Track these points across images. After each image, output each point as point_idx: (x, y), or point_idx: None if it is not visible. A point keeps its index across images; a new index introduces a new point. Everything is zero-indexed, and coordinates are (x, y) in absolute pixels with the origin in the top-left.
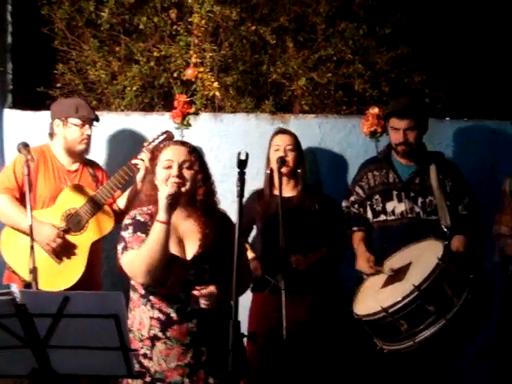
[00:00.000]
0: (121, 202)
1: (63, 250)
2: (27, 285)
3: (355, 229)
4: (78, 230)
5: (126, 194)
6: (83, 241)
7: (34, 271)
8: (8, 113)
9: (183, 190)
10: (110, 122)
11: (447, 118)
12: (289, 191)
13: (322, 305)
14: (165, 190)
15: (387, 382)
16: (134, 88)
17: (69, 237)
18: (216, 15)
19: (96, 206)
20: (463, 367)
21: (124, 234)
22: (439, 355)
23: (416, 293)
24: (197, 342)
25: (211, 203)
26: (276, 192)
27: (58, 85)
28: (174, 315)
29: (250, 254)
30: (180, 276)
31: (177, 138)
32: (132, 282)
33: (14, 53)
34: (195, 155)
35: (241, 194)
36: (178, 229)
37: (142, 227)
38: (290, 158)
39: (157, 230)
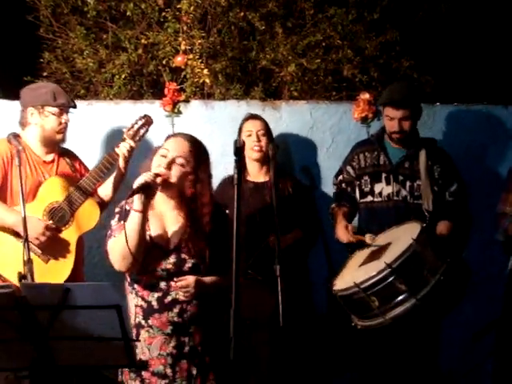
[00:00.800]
0: (104, 191)
1: (49, 248)
2: (22, 276)
3: (340, 203)
4: (63, 225)
5: (111, 182)
6: (69, 236)
7: (28, 262)
8: None
9: (172, 181)
10: (100, 111)
11: (438, 103)
12: (262, 176)
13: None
14: (138, 179)
15: (366, 360)
16: (123, 76)
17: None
18: (204, 1)
19: (80, 197)
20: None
21: (111, 221)
22: (414, 332)
23: (388, 270)
24: (178, 332)
25: (199, 207)
26: (248, 178)
27: (45, 74)
28: (154, 303)
29: None
30: (160, 264)
31: (167, 125)
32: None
33: None
34: (195, 154)
35: (238, 182)
36: (164, 217)
37: (126, 216)
38: (263, 142)
39: (132, 218)
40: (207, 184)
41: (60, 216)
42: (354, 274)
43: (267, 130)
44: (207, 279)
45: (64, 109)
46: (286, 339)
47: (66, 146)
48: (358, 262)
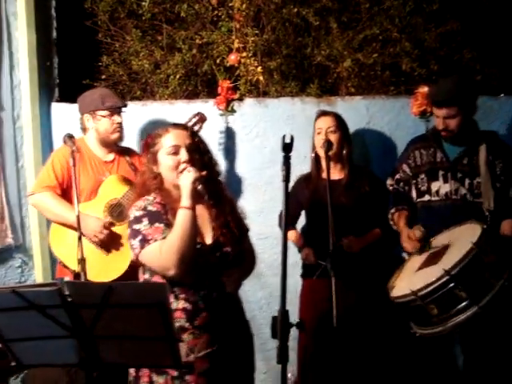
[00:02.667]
0: None
1: (110, 242)
2: (76, 275)
3: (399, 207)
4: (121, 220)
5: None
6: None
7: (82, 262)
8: (55, 106)
9: (203, 173)
10: (155, 111)
11: (502, 95)
12: (336, 174)
13: (377, 289)
14: (188, 176)
15: (428, 368)
16: (178, 76)
17: (113, 228)
18: None
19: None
20: None
21: (138, 226)
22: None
23: (446, 277)
24: (224, 328)
25: (218, 186)
26: (324, 175)
27: (103, 76)
28: (200, 302)
29: (293, 235)
30: (204, 261)
31: (222, 124)
32: (146, 276)
33: (59, 47)
34: (198, 138)
35: (287, 179)
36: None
37: (157, 217)
38: (333, 139)
39: (183, 216)
40: (215, 162)
41: (119, 212)
42: (410, 280)
43: (338, 126)
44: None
45: (114, 110)
46: (339, 340)
47: (124, 144)
48: (415, 266)
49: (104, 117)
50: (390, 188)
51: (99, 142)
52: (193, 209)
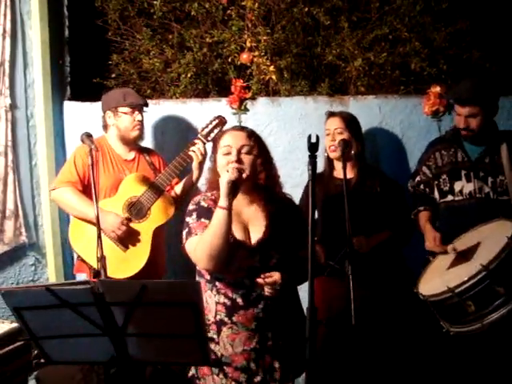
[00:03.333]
0: (178, 189)
1: (128, 238)
2: (96, 272)
3: (421, 208)
4: (140, 218)
5: (183, 181)
6: (146, 228)
7: (102, 259)
8: (68, 105)
9: (244, 175)
10: (167, 110)
11: None
12: (348, 173)
13: (386, 289)
14: (225, 176)
15: (456, 366)
16: (188, 75)
17: (132, 225)
18: None
19: (156, 192)
20: None
21: (188, 219)
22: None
23: (484, 273)
24: (262, 327)
25: (273, 187)
26: (335, 174)
27: (113, 75)
28: (239, 300)
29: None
30: (245, 262)
31: (234, 123)
32: (198, 268)
33: (70, 46)
34: (254, 139)
35: (313, 178)
36: (242, 215)
37: (206, 213)
38: (340, 140)
39: (218, 215)
40: (274, 164)
41: (138, 209)
42: (443, 278)
43: (348, 127)
44: (286, 275)
45: (136, 107)
46: (357, 338)
47: None
48: (444, 264)
49: (125, 113)
50: (411, 190)
51: (120, 139)
52: (228, 209)
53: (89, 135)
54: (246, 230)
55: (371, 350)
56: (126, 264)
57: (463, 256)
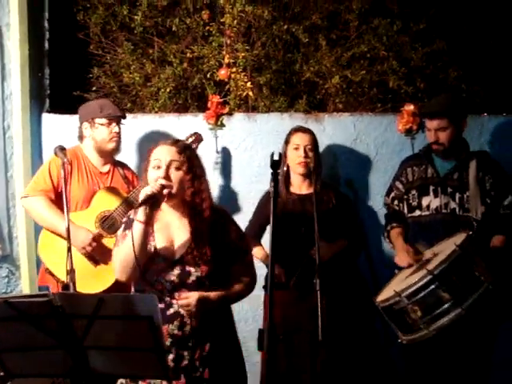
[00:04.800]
0: None
1: (99, 253)
2: (65, 286)
3: (394, 225)
4: (113, 232)
5: None
6: None
7: (71, 272)
8: (46, 117)
9: (172, 191)
10: (145, 124)
11: (485, 114)
12: (305, 188)
13: (343, 300)
14: (145, 190)
15: (418, 378)
16: (168, 90)
17: (104, 240)
18: (248, 15)
19: (129, 207)
20: None
21: (118, 231)
22: (464, 344)
23: (429, 277)
24: (178, 345)
25: (200, 204)
26: (292, 189)
27: (94, 88)
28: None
29: (261, 253)
30: (163, 274)
31: (211, 138)
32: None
33: (50, 58)
34: (184, 155)
35: (275, 195)
36: (170, 228)
37: (131, 225)
38: (310, 157)
39: (134, 228)
40: (204, 179)
41: (110, 224)
42: (397, 286)
43: (315, 145)
44: (213, 295)
45: (113, 119)
46: (325, 353)
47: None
48: (404, 276)
49: (102, 125)
50: (385, 207)
51: (96, 150)
52: (144, 223)
53: (62, 148)
54: (171, 243)
55: (333, 361)
56: (96, 279)
57: (420, 267)
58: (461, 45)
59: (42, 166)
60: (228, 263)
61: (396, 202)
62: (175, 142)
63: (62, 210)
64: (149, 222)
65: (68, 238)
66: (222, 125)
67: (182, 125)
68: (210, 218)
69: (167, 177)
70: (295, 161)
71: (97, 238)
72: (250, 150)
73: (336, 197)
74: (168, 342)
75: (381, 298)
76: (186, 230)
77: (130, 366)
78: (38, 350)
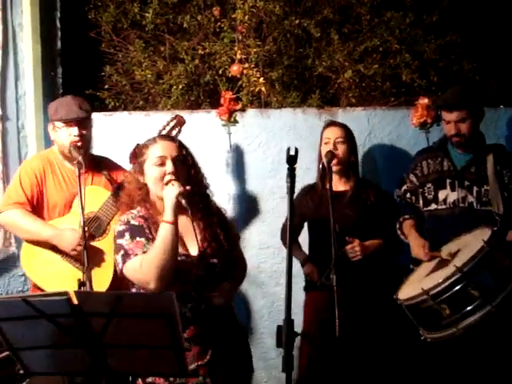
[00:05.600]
0: None
1: (90, 257)
2: (81, 283)
3: (406, 217)
4: (100, 235)
5: None
6: (107, 245)
7: (87, 270)
8: None
9: (186, 188)
10: (158, 122)
11: (501, 106)
12: (342, 185)
13: (380, 299)
14: (172, 190)
15: (437, 374)
16: (180, 86)
17: (92, 243)
18: (259, 10)
19: (116, 205)
20: None
21: (121, 241)
22: (490, 343)
23: (458, 275)
24: (214, 340)
25: (205, 198)
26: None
27: (106, 86)
28: (189, 314)
29: (296, 252)
30: (191, 273)
31: (224, 135)
32: (133, 290)
33: (63, 57)
34: (185, 150)
35: (291, 191)
36: (179, 225)
37: (139, 231)
38: (340, 150)
39: (165, 231)
40: (202, 174)
41: (96, 226)
42: (421, 283)
43: (348, 138)
44: (227, 285)
45: (71, 122)
46: (341, 350)
47: (125, 154)
48: (424, 272)
49: (60, 128)
50: (398, 199)
51: (61, 154)
52: (175, 223)
53: (78, 146)
54: (183, 242)
55: (358, 361)
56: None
57: (443, 263)
58: (474, 37)
59: (13, 178)
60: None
61: (408, 195)
62: (172, 138)
63: (42, 218)
64: (177, 222)
65: (83, 234)
66: (236, 121)
67: (194, 121)
68: (215, 213)
69: (177, 171)
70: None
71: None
72: (264, 146)
73: (375, 195)
74: (205, 338)
75: (404, 295)
76: (192, 226)
77: (147, 363)
78: (56, 349)
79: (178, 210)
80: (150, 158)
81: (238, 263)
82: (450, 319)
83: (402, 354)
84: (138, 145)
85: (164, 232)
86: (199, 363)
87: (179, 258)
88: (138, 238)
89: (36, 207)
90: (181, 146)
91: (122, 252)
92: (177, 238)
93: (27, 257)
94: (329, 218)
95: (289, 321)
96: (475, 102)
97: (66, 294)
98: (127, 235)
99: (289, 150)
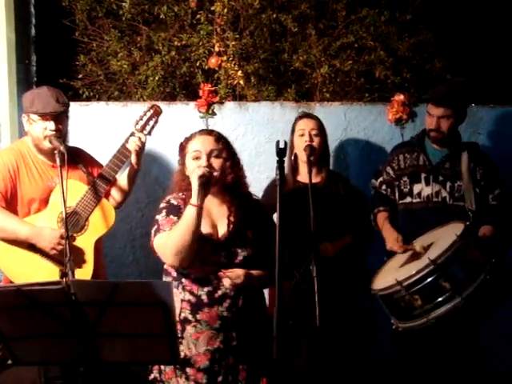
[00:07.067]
0: (117, 190)
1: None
2: (64, 274)
3: (381, 208)
4: (78, 231)
5: (125, 179)
6: (86, 241)
7: (69, 261)
8: None
9: (214, 178)
10: (135, 113)
11: (472, 105)
12: (313, 177)
13: (349, 293)
14: (196, 173)
15: (408, 363)
16: (156, 78)
17: (74, 242)
18: (237, 3)
19: (93, 199)
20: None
21: (158, 217)
22: (456, 333)
23: (431, 267)
24: (227, 327)
25: (240, 188)
26: (299, 178)
27: (80, 76)
28: (204, 298)
29: None
30: (211, 257)
31: (202, 127)
32: (165, 267)
33: (37, 45)
34: (222, 142)
35: (281, 183)
36: (212, 214)
37: (175, 210)
38: (316, 142)
39: (188, 212)
40: (241, 165)
41: (74, 222)
42: (394, 274)
43: (321, 130)
44: (255, 272)
45: (49, 116)
46: (322, 340)
47: (103, 145)
48: (398, 263)
49: (34, 121)
50: (373, 190)
51: (35, 147)
52: (199, 207)
53: (57, 136)
54: (215, 227)
55: (334, 350)
56: None
57: (416, 255)
58: (446, 35)
59: None
60: (265, 249)
61: (384, 187)
62: (211, 132)
63: (16, 216)
64: (202, 206)
65: (66, 227)
66: (214, 113)
67: (172, 113)
68: (248, 203)
69: (209, 165)
70: (301, 147)
71: (65, 236)
72: (242, 139)
73: (345, 188)
74: (217, 324)
75: (379, 286)
76: (227, 215)
77: (140, 352)
78: (48, 338)
79: (204, 195)
80: (189, 152)
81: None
82: (421, 309)
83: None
84: (185, 138)
85: (188, 213)
86: (208, 347)
87: (204, 240)
88: (171, 216)
89: (10, 203)
90: (218, 140)
91: (155, 227)
92: (199, 221)
93: (4, 257)
94: (300, 209)
95: (280, 309)
96: (463, 102)
97: (60, 283)
98: (164, 212)
99: (278, 142)
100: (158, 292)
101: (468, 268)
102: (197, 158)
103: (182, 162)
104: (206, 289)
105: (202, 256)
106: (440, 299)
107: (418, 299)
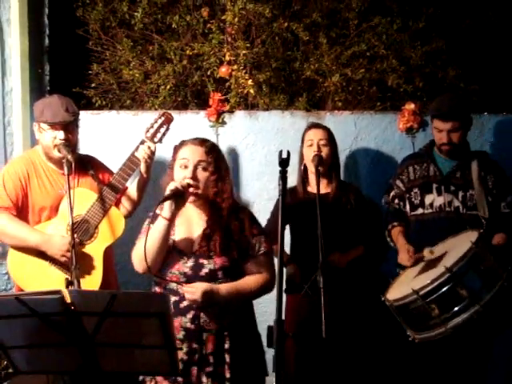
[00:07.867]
0: (128, 198)
1: (77, 262)
2: (69, 282)
3: (395, 224)
4: (88, 239)
5: (135, 188)
6: (96, 249)
7: (75, 269)
8: None
9: (199, 192)
10: (146, 121)
11: (485, 113)
12: (323, 188)
13: (363, 305)
14: (168, 188)
15: (424, 373)
16: (168, 87)
17: (84, 249)
18: (249, 12)
19: (103, 207)
20: None
21: (144, 225)
22: (475, 342)
23: (447, 275)
24: (189, 339)
25: (220, 203)
26: (310, 189)
27: (93, 85)
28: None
29: (285, 255)
30: (178, 266)
31: (212, 136)
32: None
33: (50, 54)
34: (212, 156)
35: (283, 193)
36: (192, 225)
37: (155, 219)
38: (324, 152)
39: (158, 224)
40: (228, 179)
41: (84, 229)
42: (409, 284)
43: (330, 140)
44: (222, 287)
45: (59, 125)
46: (328, 351)
47: (113, 154)
48: (412, 274)
49: (45, 130)
50: (386, 205)
51: (45, 156)
52: (168, 219)
53: (66, 144)
54: (190, 239)
55: (342, 364)
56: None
57: (430, 265)
58: (459, 44)
59: None
60: (241, 259)
61: (396, 201)
62: (203, 142)
63: (27, 224)
64: (173, 220)
65: (72, 234)
66: (224, 122)
67: (183, 122)
68: (229, 214)
69: (194, 177)
70: (310, 157)
71: (75, 244)
72: (251, 148)
73: (356, 199)
74: (181, 335)
75: (393, 296)
76: (203, 228)
77: (139, 363)
78: (47, 348)
79: (175, 208)
80: (178, 160)
81: (249, 274)
82: (438, 319)
83: (387, 357)
84: (179, 142)
85: (157, 225)
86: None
87: (176, 251)
88: (151, 225)
89: (21, 211)
90: (209, 152)
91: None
92: (167, 233)
93: (14, 262)
94: (310, 220)
95: (280, 321)
96: (467, 111)
97: (59, 292)
98: (147, 221)
99: (281, 152)
100: (155, 303)
101: (484, 276)
102: (184, 167)
103: (172, 167)
104: (173, 299)
105: (171, 266)
106: (457, 308)
107: (435, 308)
